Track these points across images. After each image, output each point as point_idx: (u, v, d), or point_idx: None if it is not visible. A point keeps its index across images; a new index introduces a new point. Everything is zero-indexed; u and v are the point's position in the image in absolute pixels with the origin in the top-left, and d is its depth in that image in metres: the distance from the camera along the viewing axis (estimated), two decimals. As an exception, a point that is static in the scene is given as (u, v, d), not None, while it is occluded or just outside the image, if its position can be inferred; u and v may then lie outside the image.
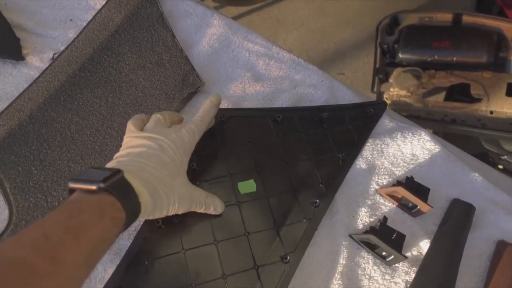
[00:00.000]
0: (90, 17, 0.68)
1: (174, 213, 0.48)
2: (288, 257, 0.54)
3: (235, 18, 2.08)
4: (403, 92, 1.65)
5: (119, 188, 0.39)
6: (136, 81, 0.65)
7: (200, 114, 0.54)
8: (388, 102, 1.66)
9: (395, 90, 1.66)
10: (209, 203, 0.52)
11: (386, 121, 0.66)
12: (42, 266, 0.31)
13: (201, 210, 0.52)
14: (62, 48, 0.66)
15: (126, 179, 0.40)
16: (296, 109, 0.64)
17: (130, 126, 0.50)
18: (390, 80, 1.68)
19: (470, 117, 1.51)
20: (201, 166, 0.57)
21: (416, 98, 1.62)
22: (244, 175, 0.58)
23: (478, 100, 1.52)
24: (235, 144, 0.60)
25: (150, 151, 0.46)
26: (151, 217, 0.46)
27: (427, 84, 1.64)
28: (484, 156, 1.59)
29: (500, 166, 1.55)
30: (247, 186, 0.57)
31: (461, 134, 1.51)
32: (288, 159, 0.60)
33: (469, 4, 2.15)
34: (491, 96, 1.51)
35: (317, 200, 0.57)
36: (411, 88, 1.64)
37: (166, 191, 0.45)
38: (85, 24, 0.68)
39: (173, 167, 0.47)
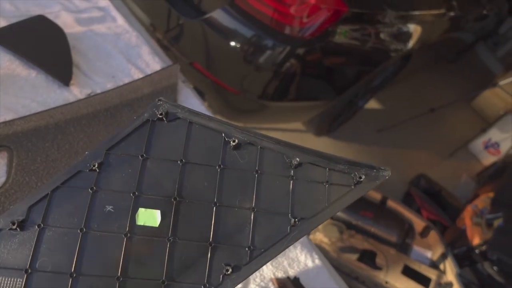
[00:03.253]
0: (127, 81, 0.94)
1: None
2: None
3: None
4: (325, 240, 1.93)
5: None
6: (138, 134, 0.88)
7: None
8: (311, 242, 1.91)
9: (320, 236, 1.94)
10: None
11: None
12: None
13: None
14: (98, 91, 0.90)
15: None
16: (264, 138, 0.50)
17: None
18: (319, 226, 1.96)
19: (369, 280, 1.77)
20: (105, 165, 0.47)
21: (334, 248, 1.89)
22: (153, 201, 0.46)
23: (380, 268, 1.80)
24: (163, 156, 0.48)
25: None
26: None
27: (346, 241, 1.94)
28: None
29: (380, 331, 1.75)
30: (148, 217, 0.46)
31: (359, 291, 1.74)
32: (222, 200, 0.47)
33: (398, 194, 2.62)
34: (390, 269, 1.80)
35: (231, 267, 0.45)
36: (332, 239, 1.92)
37: None
38: (121, 84, 0.93)
39: None
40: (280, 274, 0.83)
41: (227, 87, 1.67)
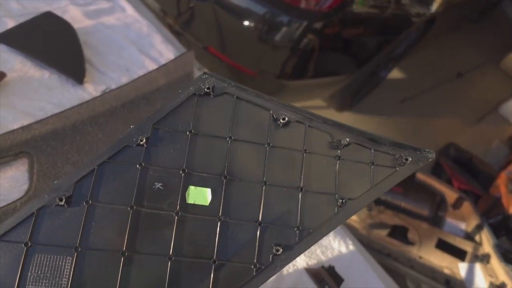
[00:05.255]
0: (142, 73, 0.91)
1: None
2: None
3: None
4: (354, 217, 1.89)
5: None
6: (157, 128, 0.85)
7: None
8: (340, 221, 1.88)
9: (349, 213, 1.90)
10: None
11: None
12: None
13: None
14: (113, 87, 0.87)
15: None
16: (312, 116, 0.49)
17: None
18: (347, 203, 1.93)
19: (402, 256, 1.73)
20: (152, 140, 0.45)
21: (363, 225, 1.85)
22: (202, 179, 0.45)
23: (412, 243, 1.76)
24: (210, 132, 0.46)
25: None
26: None
27: (375, 218, 1.90)
28: (406, 294, 1.76)
29: (417, 307, 1.72)
30: (199, 196, 0.44)
31: (392, 268, 1.71)
32: (270, 180, 0.46)
33: (426, 166, 2.54)
34: (423, 244, 1.76)
35: (281, 247, 0.44)
36: (361, 216, 1.88)
37: None
38: (136, 77, 0.90)
39: None
40: (313, 263, 0.80)
41: (243, 69, 1.62)
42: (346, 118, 2.56)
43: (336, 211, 0.46)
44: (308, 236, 0.45)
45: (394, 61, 2.37)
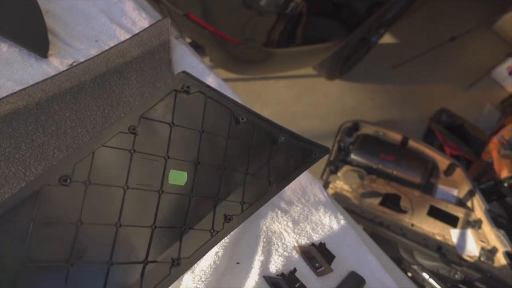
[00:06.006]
0: (113, 44, 0.83)
1: None
2: (179, 261, 0.55)
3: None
4: (346, 187, 1.87)
5: None
6: (132, 103, 0.78)
7: None
8: (332, 192, 1.86)
9: (340, 184, 1.88)
10: None
11: (317, 191, 0.83)
12: None
13: None
14: (81, 60, 0.79)
15: None
16: (261, 118, 0.62)
17: None
18: (338, 174, 1.90)
19: (394, 224, 1.72)
20: (140, 128, 0.52)
21: (355, 195, 1.83)
22: (180, 164, 0.55)
23: (404, 212, 1.75)
24: (187, 126, 0.55)
25: None
26: None
27: (367, 186, 1.87)
28: (398, 262, 1.77)
29: (409, 274, 1.74)
30: (178, 177, 0.54)
31: (385, 237, 1.71)
32: (228, 166, 0.59)
33: (418, 132, 2.51)
34: (415, 211, 1.75)
35: (229, 217, 0.60)
36: (353, 186, 1.86)
37: None
38: (107, 48, 0.82)
39: None
40: (303, 241, 0.77)
41: (228, 37, 1.53)
42: (336, 86, 2.49)
43: (267, 190, 0.65)
44: (248, 208, 0.62)
45: (385, 26, 2.28)
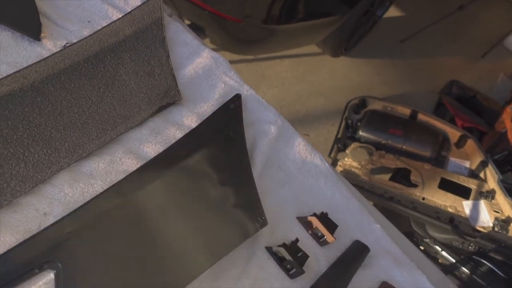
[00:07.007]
0: (105, 24, 0.83)
1: None
2: None
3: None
4: (355, 164, 1.85)
5: None
6: (127, 82, 0.78)
7: None
8: (340, 169, 1.84)
9: (349, 161, 1.86)
10: None
11: (317, 161, 0.82)
12: None
13: None
14: (75, 41, 0.79)
15: None
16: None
17: None
18: (347, 151, 1.88)
19: (405, 199, 1.70)
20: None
21: (364, 171, 1.81)
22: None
23: (415, 186, 1.73)
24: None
25: None
26: None
27: (377, 162, 1.85)
28: (410, 236, 1.76)
29: (422, 248, 1.72)
30: None
31: (395, 211, 1.69)
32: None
33: (429, 106, 2.46)
34: (426, 185, 1.72)
35: None
36: (362, 162, 1.84)
37: None
38: (99, 28, 0.82)
39: None
40: (305, 211, 0.76)
41: (227, 16, 1.51)
42: (342, 63, 2.45)
43: None
44: None
45: (390, -2, 2.22)
